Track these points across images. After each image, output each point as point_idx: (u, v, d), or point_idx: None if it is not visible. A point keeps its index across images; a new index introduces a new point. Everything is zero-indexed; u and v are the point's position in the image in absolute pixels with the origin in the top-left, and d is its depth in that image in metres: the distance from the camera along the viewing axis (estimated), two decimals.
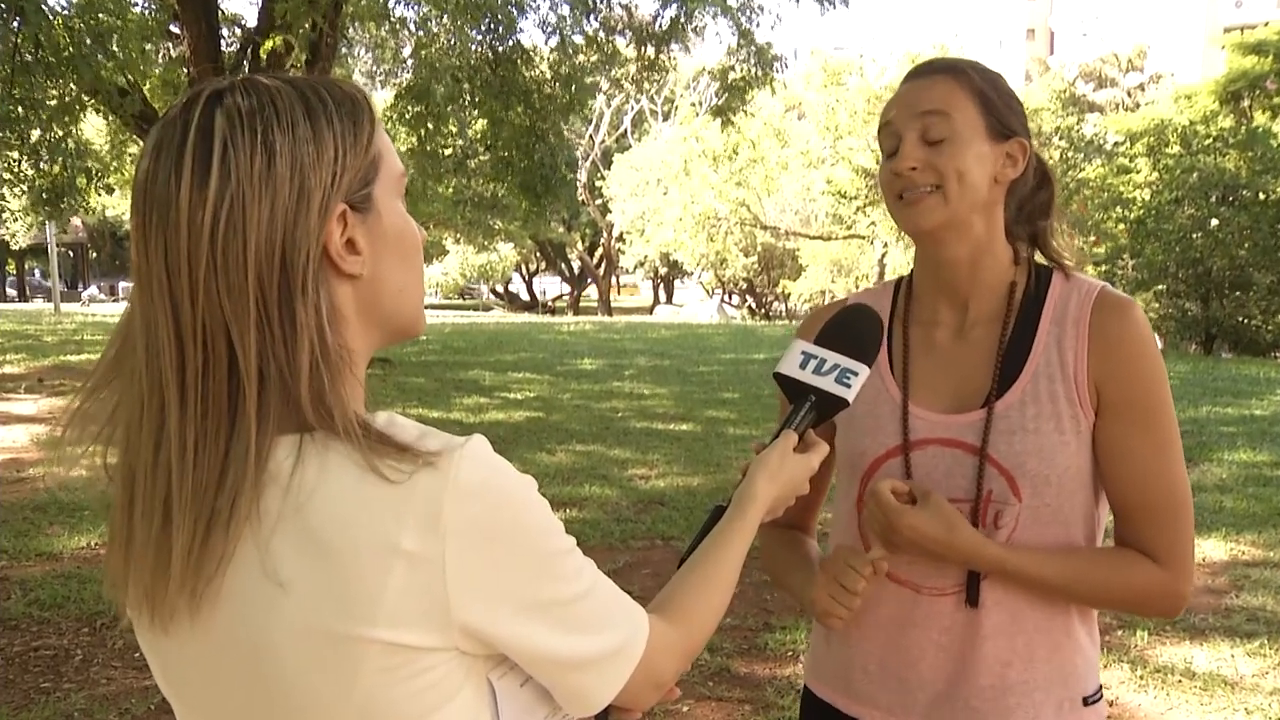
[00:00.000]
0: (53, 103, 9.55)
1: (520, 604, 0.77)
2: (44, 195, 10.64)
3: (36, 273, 45.47)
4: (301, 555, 0.73)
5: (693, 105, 26.64)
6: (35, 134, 9.67)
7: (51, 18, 8.17)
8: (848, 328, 1.15)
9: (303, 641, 0.74)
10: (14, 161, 10.29)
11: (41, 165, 10.22)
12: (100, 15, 8.68)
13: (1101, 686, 1.29)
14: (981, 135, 1.20)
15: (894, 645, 1.27)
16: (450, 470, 0.74)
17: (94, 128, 13.71)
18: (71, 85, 9.20)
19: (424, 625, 0.74)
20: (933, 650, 1.25)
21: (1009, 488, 1.20)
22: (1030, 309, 1.25)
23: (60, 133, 9.68)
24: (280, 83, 0.78)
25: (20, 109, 8.64)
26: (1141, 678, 3.57)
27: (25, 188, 10.92)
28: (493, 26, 10.84)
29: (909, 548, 1.19)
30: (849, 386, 1.10)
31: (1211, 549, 5.01)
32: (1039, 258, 1.32)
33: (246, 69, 10.40)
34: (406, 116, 11.51)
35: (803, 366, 1.12)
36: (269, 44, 8.16)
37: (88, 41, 8.37)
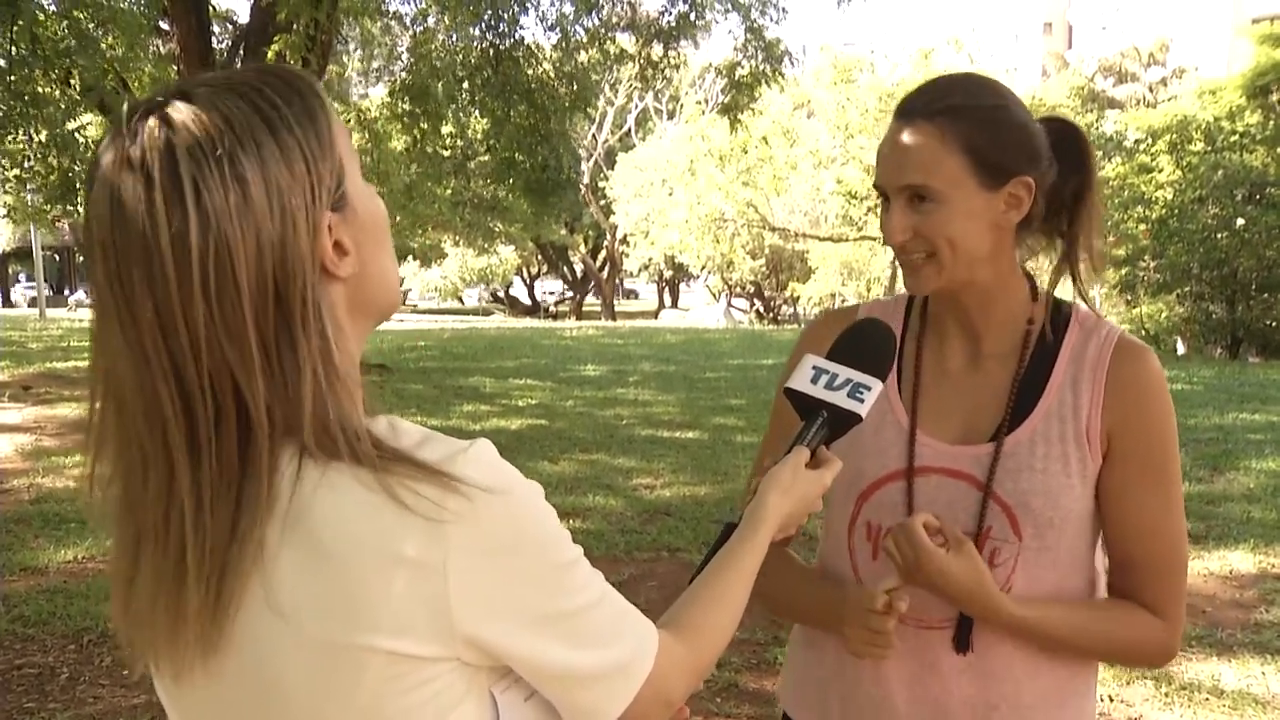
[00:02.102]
0: (56, 96, 9.47)
1: (525, 615, 0.76)
2: (58, 191, 10.59)
3: (22, 277, 45.49)
4: (302, 570, 0.72)
5: (698, 103, 26.39)
6: (44, 134, 9.63)
7: (44, 11, 8.08)
8: (861, 342, 1.14)
9: (305, 655, 0.73)
10: (23, 157, 10.21)
11: (51, 161, 10.16)
12: (90, 10, 8.58)
13: None
14: (972, 190, 1.14)
15: (873, 676, 1.25)
16: (457, 475, 0.72)
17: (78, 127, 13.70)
18: (71, 82, 9.13)
19: (426, 634, 0.73)
20: (910, 684, 1.23)
21: (1010, 526, 1.18)
22: (1047, 347, 1.23)
23: (69, 127, 9.61)
24: (223, 93, 0.73)
25: (20, 105, 8.56)
26: (1167, 695, 3.46)
27: (37, 184, 10.91)
28: (493, 23, 10.64)
29: (927, 588, 1.16)
30: (862, 401, 1.08)
31: (1239, 561, 4.83)
32: (1041, 278, 1.29)
33: (239, 67, 10.22)
34: (400, 114, 11.32)
35: (814, 381, 1.11)
36: (274, 49, 7.94)
37: (90, 28, 8.30)
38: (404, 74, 12.01)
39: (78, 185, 10.42)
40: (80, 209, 12.49)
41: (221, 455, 0.73)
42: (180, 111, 0.72)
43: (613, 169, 30.37)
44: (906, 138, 1.16)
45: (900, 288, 1.38)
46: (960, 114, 1.15)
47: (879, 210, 1.23)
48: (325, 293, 0.76)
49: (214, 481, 0.73)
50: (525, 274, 41.22)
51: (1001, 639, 1.20)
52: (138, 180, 0.70)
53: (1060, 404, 1.20)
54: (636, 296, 50.46)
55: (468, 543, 0.73)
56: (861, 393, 1.09)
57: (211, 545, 0.73)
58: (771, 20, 11.33)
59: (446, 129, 12.25)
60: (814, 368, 1.12)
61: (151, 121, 0.72)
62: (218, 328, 0.71)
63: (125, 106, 0.75)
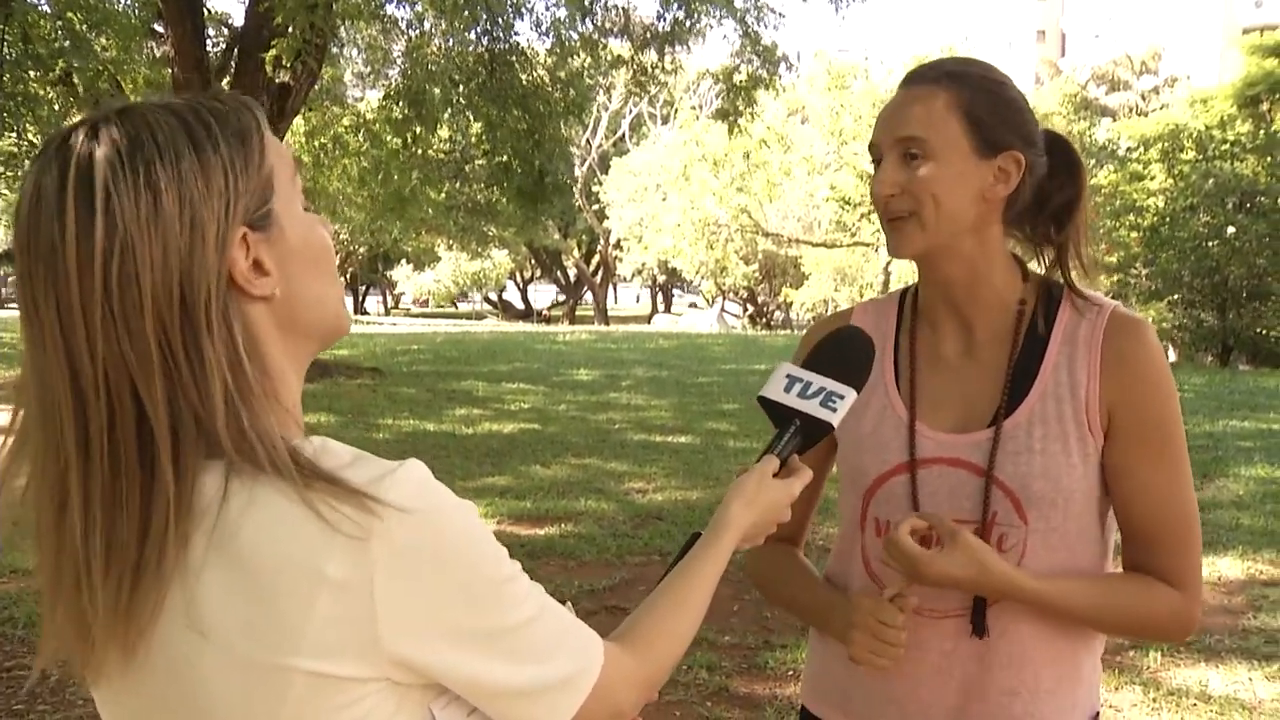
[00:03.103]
0: (49, 97, 9.46)
1: (456, 634, 0.76)
2: None
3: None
4: (228, 589, 0.72)
5: (693, 108, 26.42)
6: (35, 134, 9.62)
7: (38, 11, 8.07)
8: (836, 350, 1.14)
9: (229, 673, 0.73)
10: (14, 157, 10.21)
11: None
12: (84, 11, 8.58)
13: (1098, 714, 1.30)
14: (964, 154, 1.17)
15: (895, 667, 1.23)
16: (380, 496, 0.72)
17: None
18: (74, 81, 9.11)
19: (351, 656, 0.73)
20: (931, 673, 1.24)
21: (1014, 510, 1.19)
22: (1040, 328, 1.23)
23: (54, 128, 9.60)
24: (159, 111, 0.76)
25: (13, 105, 8.55)
26: (1154, 700, 3.47)
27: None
28: (488, 28, 10.63)
29: (938, 587, 1.16)
30: (834, 410, 1.07)
31: (1227, 568, 4.86)
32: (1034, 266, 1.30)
33: (233, 70, 10.22)
34: (394, 119, 11.30)
35: (787, 390, 1.10)
36: (271, 54, 7.92)
37: (84, 29, 8.30)
38: (399, 78, 12.00)
39: None
40: None
41: (115, 454, 0.73)
42: (110, 123, 0.74)
43: (606, 173, 30.39)
44: (909, 97, 1.20)
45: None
46: (964, 80, 1.19)
47: (872, 174, 1.24)
48: (239, 308, 0.76)
49: (105, 480, 0.73)
50: (519, 278, 41.20)
51: (1018, 623, 1.21)
52: (55, 184, 0.73)
53: (1056, 384, 1.20)
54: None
55: (393, 563, 0.72)
56: (834, 401, 1.08)
57: (113, 544, 0.73)
58: (769, 26, 11.34)
59: (443, 133, 12.24)
60: (788, 376, 1.11)
61: (82, 131, 0.74)
62: (116, 326, 0.72)
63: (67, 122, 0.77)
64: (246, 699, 0.74)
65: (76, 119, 0.77)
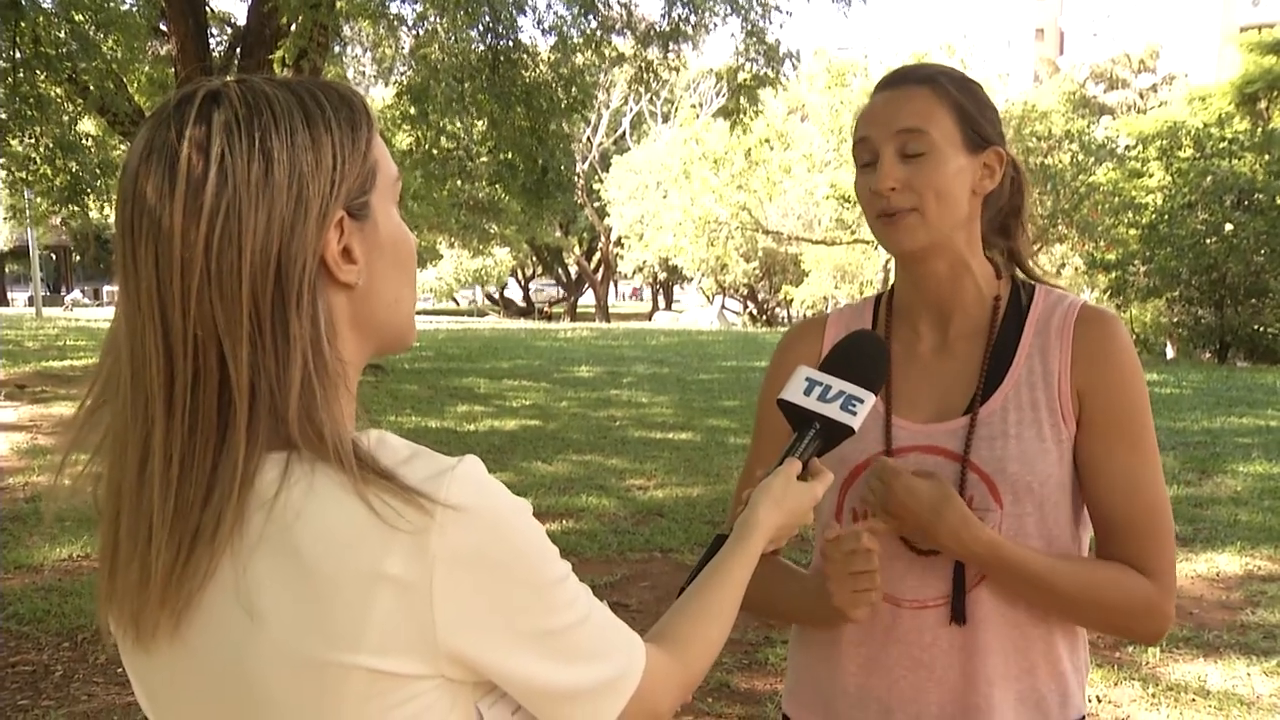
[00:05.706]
0: (59, 98, 9.52)
1: (511, 633, 0.76)
2: (64, 193, 10.65)
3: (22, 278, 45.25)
4: (282, 580, 0.72)
5: (693, 107, 26.41)
6: (48, 139, 9.67)
7: (45, 13, 8.13)
8: (853, 354, 1.16)
9: (284, 668, 0.73)
10: (28, 160, 10.25)
11: (58, 164, 10.21)
12: (92, 11, 8.64)
13: (1085, 717, 1.29)
14: (959, 148, 1.20)
15: (874, 664, 1.26)
16: (439, 494, 0.72)
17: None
18: (80, 80, 9.15)
19: (409, 652, 0.73)
20: (913, 667, 1.24)
21: (989, 494, 1.20)
22: (1013, 321, 1.27)
23: (71, 131, 9.66)
24: (277, 86, 0.77)
25: (25, 108, 8.60)
26: (1154, 695, 3.50)
27: (43, 188, 10.99)
28: (491, 25, 10.66)
29: (901, 512, 1.17)
30: (854, 414, 1.09)
31: (1226, 563, 4.91)
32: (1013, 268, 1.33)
33: (236, 69, 10.26)
34: (408, 115, 11.34)
35: (807, 393, 1.11)
36: (279, 54, 7.96)
37: (92, 31, 8.36)
38: (405, 76, 12.03)
39: (84, 188, 10.47)
40: (88, 209, 12.46)
41: (196, 414, 0.73)
42: (229, 91, 0.75)
43: (607, 171, 30.39)
44: (901, 95, 1.22)
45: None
46: (948, 79, 1.23)
47: (856, 180, 1.26)
48: (325, 290, 0.77)
49: (184, 440, 0.73)
50: (520, 275, 41.20)
51: (998, 611, 1.21)
52: (170, 140, 0.73)
53: (1029, 372, 1.23)
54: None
55: (452, 561, 0.72)
56: (854, 405, 1.09)
57: (179, 504, 0.73)
58: (774, 24, 11.36)
59: (451, 128, 12.29)
60: (807, 379, 1.12)
61: (201, 94, 0.75)
62: (211, 287, 0.72)
63: (182, 85, 0.79)
64: (301, 695, 0.74)
65: (192, 85, 0.77)
